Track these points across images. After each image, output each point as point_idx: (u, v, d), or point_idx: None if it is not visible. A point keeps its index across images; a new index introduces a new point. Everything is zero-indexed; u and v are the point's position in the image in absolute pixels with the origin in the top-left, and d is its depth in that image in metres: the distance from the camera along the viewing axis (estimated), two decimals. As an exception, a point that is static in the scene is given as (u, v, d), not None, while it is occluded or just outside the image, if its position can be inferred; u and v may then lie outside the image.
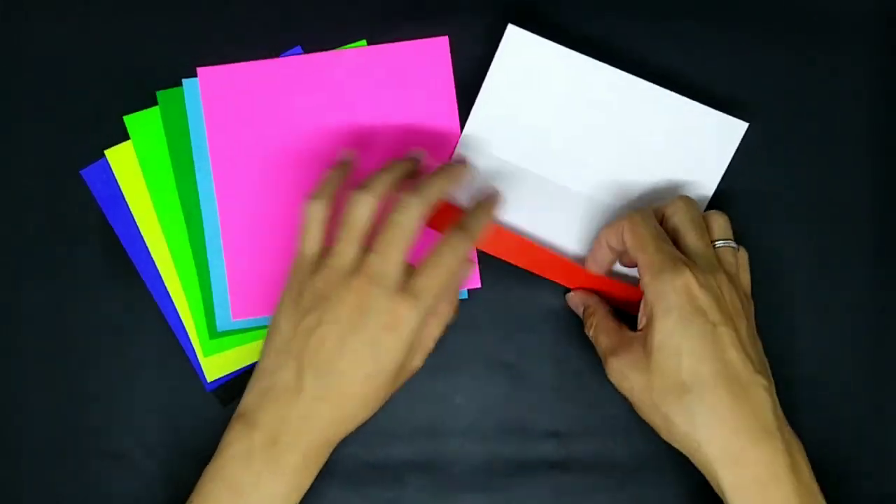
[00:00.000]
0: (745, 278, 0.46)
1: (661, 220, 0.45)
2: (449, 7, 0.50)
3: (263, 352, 0.43)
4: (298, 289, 0.42)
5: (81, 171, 0.49)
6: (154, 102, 0.49)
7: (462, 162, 0.48)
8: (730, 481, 0.40)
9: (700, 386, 0.40)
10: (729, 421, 0.40)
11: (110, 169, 0.49)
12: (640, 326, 0.44)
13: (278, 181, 0.49)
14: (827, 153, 0.50)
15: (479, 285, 0.49)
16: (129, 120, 0.49)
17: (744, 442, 0.40)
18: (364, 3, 0.50)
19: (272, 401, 0.41)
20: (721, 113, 0.47)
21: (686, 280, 0.41)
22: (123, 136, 0.49)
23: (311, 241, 0.42)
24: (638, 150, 0.48)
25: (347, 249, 0.41)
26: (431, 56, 0.49)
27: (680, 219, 0.44)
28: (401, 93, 0.49)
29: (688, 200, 0.45)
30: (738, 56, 0.50)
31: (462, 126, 0.49)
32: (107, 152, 0.49)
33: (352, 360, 0.40)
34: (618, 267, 0.49)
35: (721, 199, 0.49)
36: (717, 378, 0.40)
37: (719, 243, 0.45)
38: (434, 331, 0.44)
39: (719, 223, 0.46)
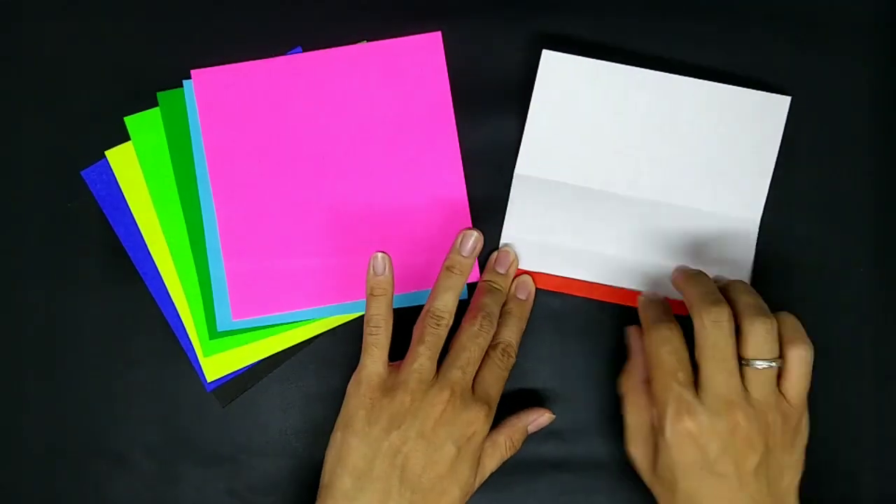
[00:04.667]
0: (793, 389, 0.42)
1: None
2: (448, 6, 0.50)
3: (332, 472, 0.43)
4: (370, 407, 0.43)
5: (82, 172, 0.49)
6: (155, 103, 0.50)
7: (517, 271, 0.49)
8: None
9: None
10: None
11: (111, 170, 0.50)
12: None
13: (276, 180, 0.49)
14: (827, 152, 0.50)
15: (478, 277, 0.49)
16: (129, 121, 0.49)
17: None
18: (364, 3, 0.50)
19: None
20: (763, 92, 0.47)
21: (687, 427, 0.41)
22: (124, 136, 0.50)
23: (378, 362, 0.44)
24: (691, 145, 0.48)
25: (428, 365, 0.43)
26: (425, 51, 0.49)
27: (703, 345, 0.41)
28: (396, 88, 0.49)
29: (716, 323, 0.41)
30: (735, 57, 0.50)
31: (457, 122, 0.49)
32: (107, 153, 0.50)
33: (443, 476, 0.42)
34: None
35: (721, 199, 0.49)
36: None
37: (755, 363, 0.41)
38: (491, 463, 0.45)
39: (755, 337, 0.41)
